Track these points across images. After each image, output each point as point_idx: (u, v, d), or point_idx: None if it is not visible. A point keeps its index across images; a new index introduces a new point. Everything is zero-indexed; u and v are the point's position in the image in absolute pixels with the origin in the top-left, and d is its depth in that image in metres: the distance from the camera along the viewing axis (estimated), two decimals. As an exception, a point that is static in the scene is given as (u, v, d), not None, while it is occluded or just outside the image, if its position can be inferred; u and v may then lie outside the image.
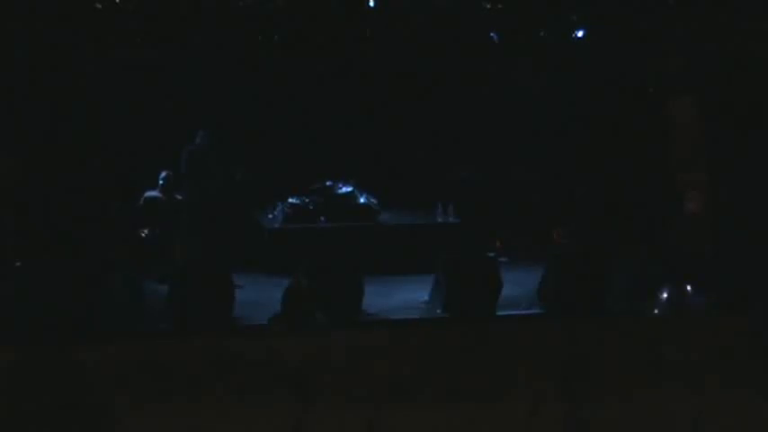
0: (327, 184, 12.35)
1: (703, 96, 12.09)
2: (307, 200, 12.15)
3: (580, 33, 12.61)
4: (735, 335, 8.45)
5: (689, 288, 9.38)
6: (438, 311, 9.52)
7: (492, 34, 12.71)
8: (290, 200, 12.10)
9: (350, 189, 12.31)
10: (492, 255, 11.25)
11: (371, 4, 11.96)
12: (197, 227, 11.10)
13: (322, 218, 12.08)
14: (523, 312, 9.43)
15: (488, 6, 12.22)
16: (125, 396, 7.62)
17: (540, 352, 8.23)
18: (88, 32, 11.46)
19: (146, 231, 11.34)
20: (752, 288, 9.26)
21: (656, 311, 9.13)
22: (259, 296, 9.94)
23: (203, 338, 8.12)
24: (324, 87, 12.85)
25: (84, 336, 8.07)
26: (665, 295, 9.19)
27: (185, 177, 11.42)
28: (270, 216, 12.04)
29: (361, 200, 12.28)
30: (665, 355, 8.30)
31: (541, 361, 8.19)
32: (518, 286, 9.95)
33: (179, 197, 11.36)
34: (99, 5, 11.32)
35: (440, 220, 12.17)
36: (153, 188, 11.59)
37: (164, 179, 11.50)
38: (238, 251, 10.91)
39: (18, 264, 10.46)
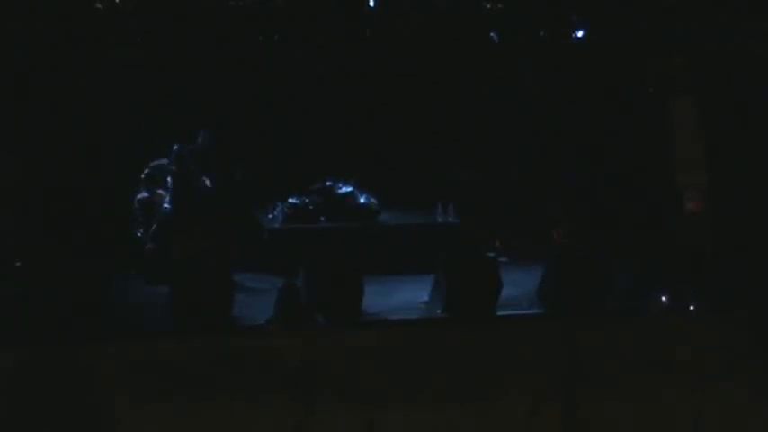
0: (327, 184, 12.33)
1: (703, 96, 12.09)
2: (307, 200, 12.13)
3: (580, 33, 12.60)
4: (735, 335, 8.47)
5: (689, 288, 9.39)
6: (438, 311, 9.49)
7: (492, 34, 12.70)
8: (290, 200, 12.09)
9: (350, 189, 12.30)
10: (492, 255, 11.22)
11: (371, 4, 11.96)
12: (198, 227, 11.07)
13: (322, 218, 12.07)
14: (523, 312, 9.41)
15: (488, 6, 12.22)
16: (125, 396, 7.64)
17: (539, 352, 8.25)
18: (88, 32, 11.45)
19: (140, 232, 11.32)
20: (752, 288, 9.25)
21: (655, 312, 9.13)
22: (259, 296, 9.93)
23: (203, 338, 8.14)
24: (324, 87, 12.84)
25: (84, 336, 8.06)
26: (665, 296, 9.20)
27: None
28: (270, 216, 12.03)
29: (361, 200, 12.26)
30: (665, 355, 8.32)
31: (541, 361, 8.21)
32: (518, 286, 9.93)
33: (164, 193, 11.31)
34: (99, 5, 11.32)
35: (440, 220, 12.15)
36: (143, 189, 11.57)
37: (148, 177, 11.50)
38: (238, 251, 10.89)
39: (18, 264, 10.45)
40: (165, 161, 11.42)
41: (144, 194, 11.46)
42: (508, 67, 12.93)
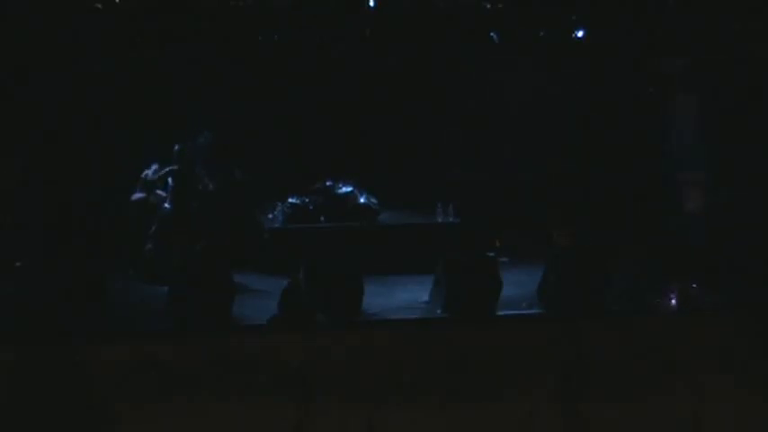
0: (327, 184, 12.34)
1: (703, 96, 12.09)
2: (307, 200, 12.14)
3: (580, 33, 12.60)
4: (735, 335, 8.47)
5: (692, 288, 9.39)
6: (438, 311, 9.51)
7: (492, 34, 12.70)
8: (290, 200, 12.09)
9: (350, 189, 12.30)
10: (492, 255, 11.23)
11: (371, 4, 11.95)
12: (198, 227, 11.08)
13: (322, 218, 12.08)
14: (523, 312, 9.42)
15: (488, 6, 12.21)
16: (125, 396, 7.64)
17: (540, 352, 8.25)
18: (89, 32, 11.44)
19: (137, 232, 11.32)
20: (752, 288, 9.25)
21: (657, 311, 9.13)
22: (259, 296, 9.93)
23: (203, 338, 8.14)
24: (324, 87, 12.84)
25: (84, 336, 8.06)
26: (668, 295, 9.20)
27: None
28: (270, 216, 12.03)
29: (361, 200, 12.27)
30: (666, 355, 8.32)
31: (541, 361, 8.21)
32: (518, 286, 9.94)
33: (162, 194, 11.30)
34: (99, 5, 11.31)
35: (440, 220, 12.15)
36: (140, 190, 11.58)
37: (144, 178, 11.50)
38: (238, 251, 10.90)
39: (18, 264, 10.45)
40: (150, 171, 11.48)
41: (140, 195, 11.47)
42: (508, 66, 12.92)
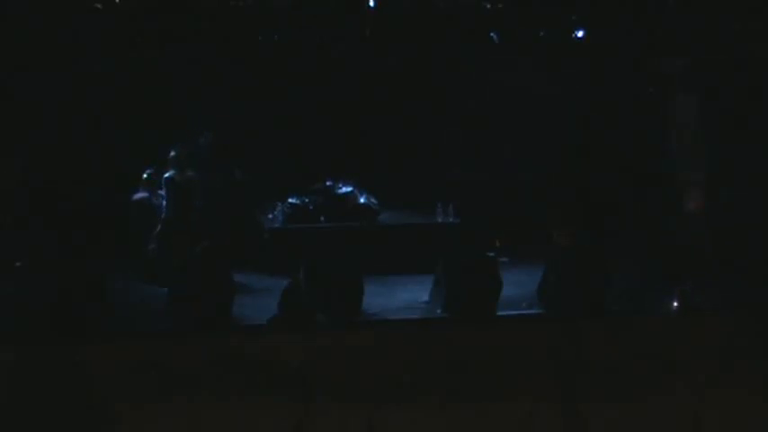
0: (327, 184, 12.35)
1: (704, 96, 12.08)
2: (307, 200, 12.14)
3: (580, 33, 12.59)
4: (735, 335, 8.47)
5: (692, 288, 9.40)
6: (438, 311, 9.51)
7: (492, 34, 12.70)
8: (290, 200, 12.10)
9: (350, 189, 12.31)
10: (492, 255, 11.22)
11: (371, 4, 11.95)
12: (199, 227, 11.07)
13: (322, 218, 12.08)
14: (523, 312, 9.42)
15: (488, 6, 12.21)
16: (125, 396, 7.64)
17: (540, 352, 8.26)
18: (89, 32, 11.45)
19: (139, 232, 11.31)
20: (752, 288, 9.26)
21: (657, 311, 9.14)
22: (259, 296, 9.93)
23: (203, 338, 8.14)
24: (324, 87, 12.85)
25: (84, 336, 8.07)
26: (668, 295, 9.20)
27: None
28: (270, 216, 12.04)
29: (361, 200, 12.28)
30: (665, 355, 8.32)
31: (541, 361, 8.21)
32: (518, 286, 9.94)
33: (161, 193, 11.30)
34: (99, 5, 11.31)
35: (440, 220, 12.16)
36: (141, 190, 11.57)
37: (148, 177, 11.48)
38: (238, 251, 10.90)
39: (18, 264, 10.45)
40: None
41: (141, 194, 11.46)
42: (508, 66, 12.92)
